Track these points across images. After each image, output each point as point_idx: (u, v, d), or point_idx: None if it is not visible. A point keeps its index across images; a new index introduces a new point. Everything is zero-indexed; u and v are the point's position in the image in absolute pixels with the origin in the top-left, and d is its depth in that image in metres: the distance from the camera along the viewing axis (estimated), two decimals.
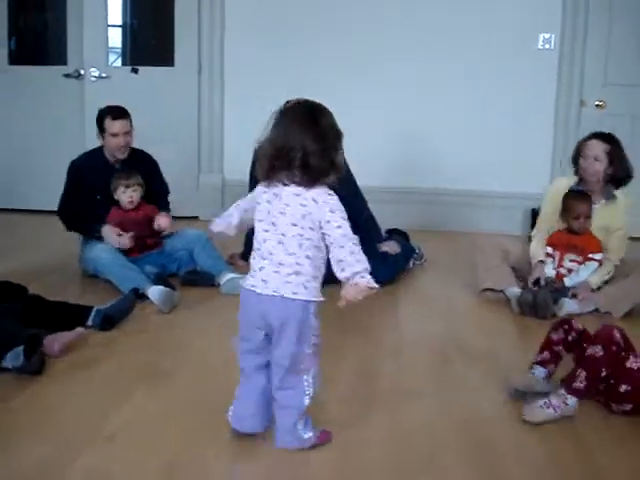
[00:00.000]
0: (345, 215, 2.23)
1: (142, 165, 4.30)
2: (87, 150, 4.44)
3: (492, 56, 5.71)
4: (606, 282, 3.94)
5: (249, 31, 5.87)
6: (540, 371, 2.75)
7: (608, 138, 3.95)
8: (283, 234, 2.23)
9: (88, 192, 4.15)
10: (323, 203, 2.21)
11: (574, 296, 3.86)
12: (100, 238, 4.07)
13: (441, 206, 5.86)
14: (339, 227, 2.20)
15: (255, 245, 2.31)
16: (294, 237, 2.22)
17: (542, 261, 3.98)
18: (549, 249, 3.99)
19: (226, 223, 2.40)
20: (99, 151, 4.30)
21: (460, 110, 5.78)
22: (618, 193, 3.99)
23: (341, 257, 2.20)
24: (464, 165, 5.80)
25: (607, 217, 3.95)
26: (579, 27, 5.68)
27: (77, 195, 4.18)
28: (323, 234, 2.22)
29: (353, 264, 2.19)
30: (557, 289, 3.87)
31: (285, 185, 2.23)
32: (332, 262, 2.23)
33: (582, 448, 2.43)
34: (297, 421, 2.31)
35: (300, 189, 2.22)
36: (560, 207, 3.96)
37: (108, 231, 4.07)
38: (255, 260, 2.30)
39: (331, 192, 2.25)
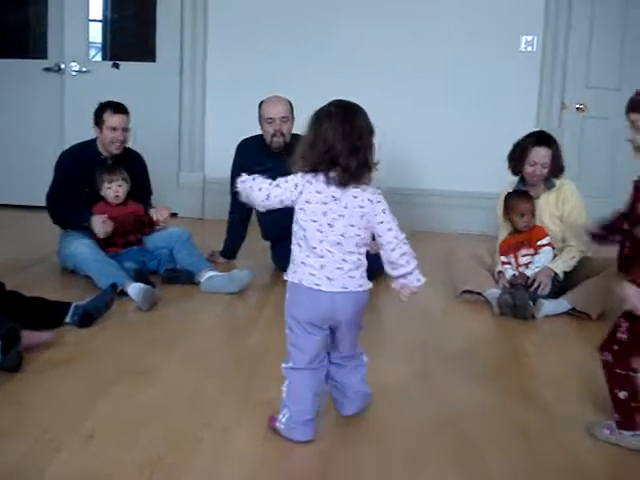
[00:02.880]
0: (391, 215, 2.35)
1: (133, 164, 4.30)
2: (78, 142, 4.40)
3: (474, 58, 5.73)
4: (578, 276, 3.97)
5: (232, 28, 5.85)
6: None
7: (550, 141, 4.06)
8: (342, 235, 2.29)
9: (76, 185, 4.11)
10: (377, 203, 2.31)
11: (538, 286, 3.90)
12: (87, 228, 4.05)
13: (419, 207, 5.87)
14: (390, 229, 2.33)
15: (309, 243, 2.32)
16: (352, 237, 2.30)
17: (500, 272, 4.04)
18: (503, 258, 4.06)
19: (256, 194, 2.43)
20: (92, 144, 4.28)
21: (441, 111, 5.80)
22: (559, 181, 4.10)
23: (392, 259, 2.35)
24: (443, 166, 5.82)
25: (554, 204, 4.06)
26: (561, 29, 5.72)
27: (66, 186, 4.15)
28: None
29: (405, 265, 2.36)
30: (521, 285, 3.90)
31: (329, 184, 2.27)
32: (383, 259, 2.37)
33: (564, 445, 2.45)
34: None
35: (358, 190, 2.29)
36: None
37: (95, 219, 4.05)
38: (311, 259, 2.31)
39: (380, 192, 2.33)
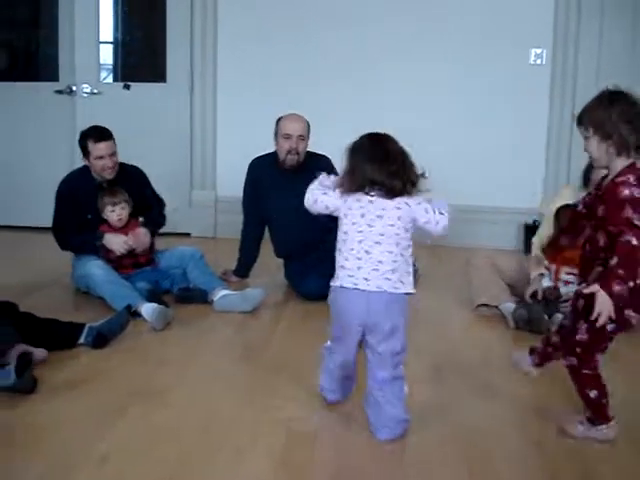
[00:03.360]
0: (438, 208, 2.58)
1: (131, 180, 4.27)
2: (74, 169, 4.41)
3: (484, 71, 5.72)
4: None
5: (241, 47, 5.87)
6: None
7: None
8: (382, 234, 2.45)
9: (79, 212, 4.12)
10: (417, 205, 2.51)
11: (566, 301, 3.84)
12: (98, 248, 4.05)
13: None
14: (427, 222, 2.53)
15: (347, 246, 2.49)
16: (391, 237, 2.45)
17: (542, 274, 3.97)
18: (545, 261, 3.98)
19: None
20: (86, 170, 4.25)
21: (452, 126, 5.79)
22: None
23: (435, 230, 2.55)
24: (456, 180, 5.79)
25: None
26: (570, 41, 5.70)
27: (69, 215, 4.14)
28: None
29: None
30: (553, 298, 3.86)
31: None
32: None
33: (580, 461, 2.42)
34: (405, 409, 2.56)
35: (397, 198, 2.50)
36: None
37: (112, 236, 4.06)
38: (349, 261, 2.48)
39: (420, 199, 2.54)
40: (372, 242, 2.44)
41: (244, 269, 4.57)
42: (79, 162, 4.35)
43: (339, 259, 2.51)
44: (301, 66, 5.81)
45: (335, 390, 2.75)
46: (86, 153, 4.17)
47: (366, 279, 2.44)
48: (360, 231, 2.46)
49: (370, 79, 5.78)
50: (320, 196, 2.55)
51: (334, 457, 2.39)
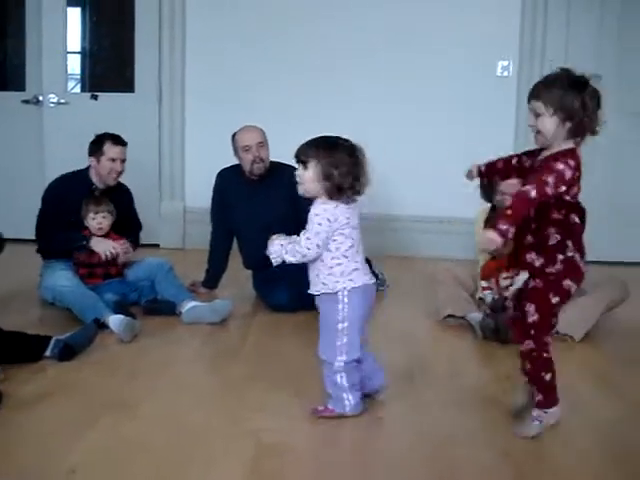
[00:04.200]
0: None
1: (121, 197, 4.31)
2: (68, 172, 4.38)
3: (451, 84, 5.77)
4: None
5: (210, 57, 5.87)
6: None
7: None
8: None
9: (63, 212, 4.10)
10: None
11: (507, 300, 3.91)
12: (83, 247, 4.04)
13: (400, 232, 5.89)
14: None
15: (355, 249, 2.73)
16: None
17: (481, 298, 4.06)
18: (484, 283, 4.04)
19: None
20: (83, 173, 4.28)
21: (418, 137, 5.83)
22: None
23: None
24: (423, 191, 5.84)
25: None
26: (536, 53, 5.77)
27: (55, 214, 4.13)
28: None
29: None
30: (500, 303, 3.90)
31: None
32: None
33: (550, 467, 2.45)
34: None
35: None
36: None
37: (100, 240, 4.06)
38: (359, 262, 2.75)
39: None
40: (359, 242, 2.75)
41: (213, 280, 4.57)
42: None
43: (350, 264, 2.71)
44: (270, 77, 5.81)
45: (360, 395, 2.83)
46: (98, 153, 4.20)
47: (367, 274, 2.77)
48: (354, 236, 2.72)
49: (336, 91, 5.80)
50: (314, 239, 2.67)
51: (303, 467, 2.39)
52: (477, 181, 3.07)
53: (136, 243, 4.40)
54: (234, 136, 4.35)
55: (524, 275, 3.92)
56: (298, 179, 2.72)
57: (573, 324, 3.83)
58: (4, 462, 2.40)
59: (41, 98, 5.89)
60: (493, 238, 2.32)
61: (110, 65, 6.53)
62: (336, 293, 2.70)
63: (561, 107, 2.43)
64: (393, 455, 2.52)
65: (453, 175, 5.80)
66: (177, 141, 5.97)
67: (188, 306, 3.99)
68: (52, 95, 5.88)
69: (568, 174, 2.40)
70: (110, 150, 4.21)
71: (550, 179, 2.38)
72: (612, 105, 5.82)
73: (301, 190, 2.73)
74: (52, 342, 3.30)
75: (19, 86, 6.05)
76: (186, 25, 5.85)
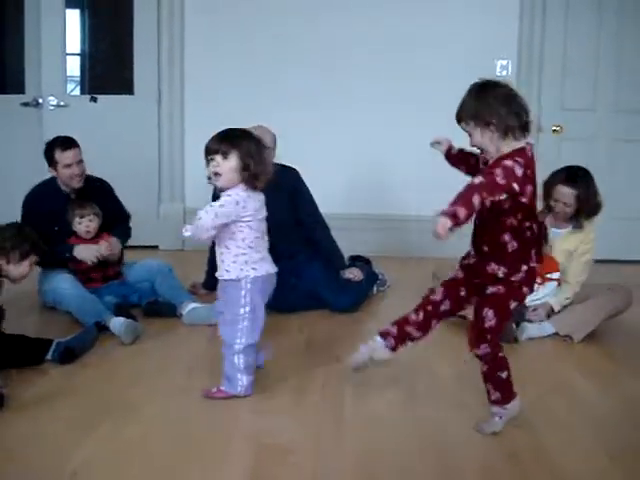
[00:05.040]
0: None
1: (97, 192, 4.26)
2: (40, 182, 4.37)
3: (450, 84, 5.75)
4: (565, 306, 3.99)
5: (209, 59, 5.88)
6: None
7: (575, 181, 3.89)
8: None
9: (46, 224, 4.06)
10: None
11: (533, 311, 3.93)
12: (69, 259, 4.02)
13: (402, 232, 5.89)
14: None
15: (255, 237, 2.90)
16: None
17: None
18: None
19: None
20: (52, 182, 4.26)
21: (420, 138, 5.80)
22: (588, 226, 4.01)
23: None
24: (425, 191, 5.82)
25: (572, 243, 3.99)
26: (535, 52, 5.79)
27: (36, 228, 4.10)
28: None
29: None
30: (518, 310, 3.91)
31: None
32: None
33: (554, 469, 2.44)
34: None
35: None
36: None
37: (82, 247, 4.03)
38: (262, 252, 2.96)
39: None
40: (265, 232, 2.99)
41: (212, 282, 4.54)
42: (48, 175, 4.32)
43: (254, 254, 2.90)
44: (270, 78, 5.82)
45: (252, 379, 3.00)
46: (53, 163, 4.16)
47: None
48: (262, 228, 2.95)
49: (336, 91, 5.80)
50: (218, 210, 2.81)
51: (305, 471, 2.39)
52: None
53: (127, 233, 4.38)
54: None
55: (550, 289, 3.93)
56: (217, 170, 2.81)
57: (574, 326, 3.84)
58: (6, 465, 2.40)
59: (41, 101, 5.90)
60: (443, 222, 2.29)
61: (109, 67, 6.53)
62: (239, 280, 2.89)
63: (473, 116, 2.46)
64: (395, 457, 2.53)
65: (454, 175, 5.85)
66: (176, 143, 5.98)
67: (188, 308, 3.99)
68: (52, 98, 5.88)
69: (518, 170, 2.36)
70: (62, 157, 4.13)
71: (498, 171, 2.34)
72: (609, 104, 5.87)
73: (220, 182, 2.82)
74: (53, 345, 3.30)
75: (18, 89, 6.06)
76: (185, 26, 5.86)
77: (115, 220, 4.30)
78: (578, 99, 5.85)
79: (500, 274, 2.54)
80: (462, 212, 2.27)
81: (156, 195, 6.07)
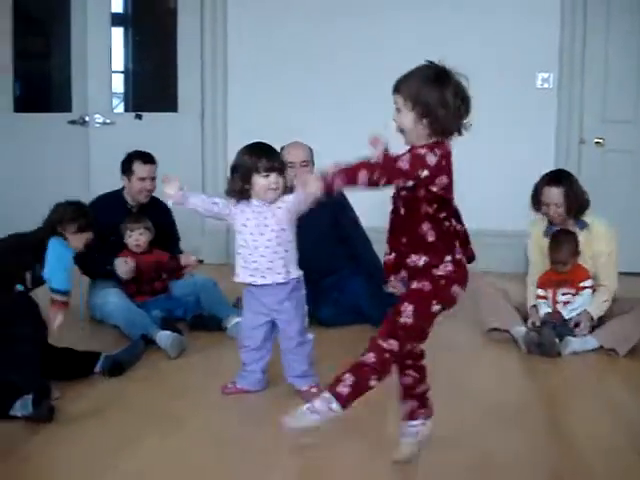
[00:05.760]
0: None
1: (158, 212, 4.36)
2: (105, 193, 4.50)
3: (491, 97, 5.75)
4: (605, 315, 3.96)
5: (252, 75, 5.95)
6: None
7: (560, 180, 4.02)
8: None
9: (103, 233, 4.16)
10: None
11: (576, 325, 3.90)
12: (110, 273, 4.11)
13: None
14: None
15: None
16: None
17: (534, 306, 4.03)
18: (540, 291, 4.04)
19: None
20: (118, 193, 4.40)
21: (460, 149, 5.79)
22: (590, 218, 4.07)
23: None
24: (464, 203, 5.76)
25: (586, 245, 4.01)
26: (576, 65, 5.76)
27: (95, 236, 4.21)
28: None
29: None
30: (556, 323, 3.90)
31: None
32: None
33: None
34: None
35: None
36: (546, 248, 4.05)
37: (118, 261, 4.12)
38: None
39: None
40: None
41: None
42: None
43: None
44: (309, 96, 5.87)
45: None
46: (128, 172, 4.30)
47: None
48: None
49: (377, 107, 5.82)
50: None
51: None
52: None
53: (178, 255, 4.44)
54: (281, 149, 4.38)
55: (586, 297, 3.91)
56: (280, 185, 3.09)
57: (617, 340, 3.81)
58: (53, 476, 2.46)
59: (87, 118, 6.01)
60: (315, 184, 2.15)
61: (153, 84, 6.65)
62: (300, 280, 3.12)
63: (418, 101, 2.25)
64: (432, 469, 2.52)
65: (495, 188, 5.85)
66: (220, 159, 6.04)
67: (233, 321, 4.03)
68: (98, 115, 6.00)
69: (431, 158, 2.20)
70: (139, 169, 4.30)
71: (405, 157, 2.20)
72: None
73: (278, 195, 3.08)
74: (101, 358, 3.37)
75: (65, 107, 6.19)
76: (228, 45, 5.95)
77: (167, 241, 4.38)
78: (620, 111, 5.80)
79: (421, 263, 2.29)
80: (339, 181, 2.16)
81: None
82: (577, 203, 4.02)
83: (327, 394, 2.28)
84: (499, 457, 2.64)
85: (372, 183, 2.18)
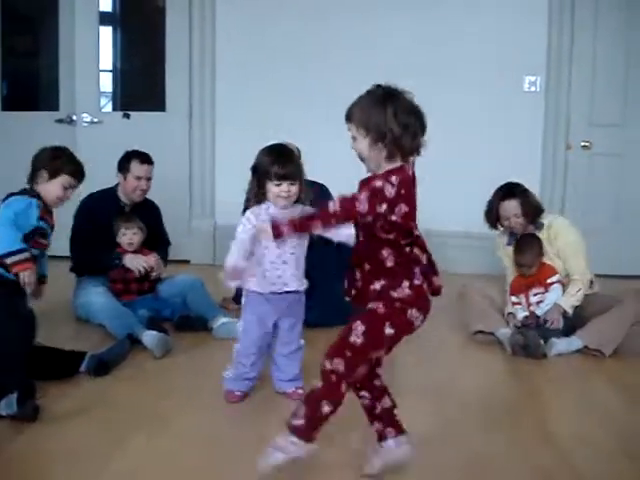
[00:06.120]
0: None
1: (149, 213, 4.39)
2: (101, 189, 4.49)
3: (478, 100, 5.78)
4: (588, 312, 4.00)
5: (240, 74, 5.94)
6: None
7: (514, 193, 4.17)
8: None
9: (95, 229, 4.21)
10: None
11: (546, 322, 3.95)
12: (117, 266, 4.12)
13: (429, 248, 5.88)
14: None
15: None
16: None
17: (510, 313, 4.10)
18: (513, 298, 4.11)
19: None
20: (111, 191, 4.40)
21: (447, 153, 5.82)
22: (547, 220, 4.19)
23: None
24: (451, 207, 5.83)
25: (549, 243, 4.10)
26: (564, 68, 5.78)
27: (87, 231, 4.23)
28: None
29: None
30: (533, 325, 3.94)
31: None
32: None
33: None
34: None
35: None
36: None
37: (133, 256, 4.15)
38: None
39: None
40: None
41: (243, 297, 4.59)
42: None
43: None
44: (299, 95, 5.87)
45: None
46: (125, 170, 4.32)
47: None
48: None
49: None
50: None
51: None
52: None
53: (165, 259, 4.46)
54: None
55: (555, 292, 3.96)
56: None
57: (602, 340, 3.84)
58: (38, 477, 2.45)
59: (75, 117, 6.00)
60: (267, 231, 2.17)
61: (141, 84, 6.63)
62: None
63: (370, 125, 2.22)
64: (418, 470, 2.52)
65: (478, 190, 5.84)
66: (207, 159, 6.05)
67: (219, 322, 4.03)
68: (85, 114, 5.98)
69: (389, 190, 2.15)
70: (136, 168, 4.31)
71: (363, 195, 2.14)
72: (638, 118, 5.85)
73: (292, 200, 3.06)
74: (87, 358, 3.35)
75: (53, 106, 6.17)
76: (216, 45, 5.94)
77: (156, 242, 4.38)
78: (607, 115, 5.83)
79: (378, 287, 2.23)
80: (290, 232, 2.19)
81: (187, 210, 6.14)
82: (533, 209, 4.16)
83: (286, 430, 2.24)
84: (485, 458, 2.65)
85: (328, 228, 2.23)
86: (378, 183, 2.16)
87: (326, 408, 2.22)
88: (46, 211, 3.39)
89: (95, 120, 5.99)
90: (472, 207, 5.80)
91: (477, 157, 5.80)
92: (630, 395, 3.33)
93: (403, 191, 2.19)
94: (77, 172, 3.50)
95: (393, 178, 2.18)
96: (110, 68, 6.39)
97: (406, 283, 2.23)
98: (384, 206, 2.14)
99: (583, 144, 5.84)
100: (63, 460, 2.56)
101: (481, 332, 4.05)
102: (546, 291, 4.01)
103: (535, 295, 4.03)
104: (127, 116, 6.04)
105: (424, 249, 2.35)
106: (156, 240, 4.41)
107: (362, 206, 2.13)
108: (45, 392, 3.05)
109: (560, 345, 3.85)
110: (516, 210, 4.11)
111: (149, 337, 3.72)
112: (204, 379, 3.40)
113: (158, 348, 3.67)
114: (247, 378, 3.15)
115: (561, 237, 4.11)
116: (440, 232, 5.90)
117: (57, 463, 2.54)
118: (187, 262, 5.98)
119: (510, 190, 4.19)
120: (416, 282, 2.25)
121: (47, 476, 2.45)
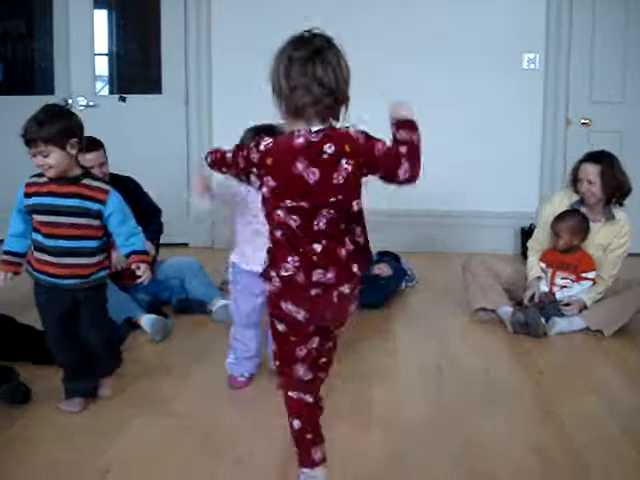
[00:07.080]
0: None
1: (123, 191, 4.26)
2: None
3: (478, 77, 5.74)
4: (597, 300, 3.96)
5: (236, 58, 5.89)
6: None
7: (599, 159, 3.96)
8: None
9: None
10: None
11: (566, 305, 3.91)
12: None
13: (431, 227, 5.88)
14: None
15: None
16: None
17: (539, 277, 4.01)
18: (542, 265, 4.02)
19: None
20: None
21: (447, 131, 5.80)
22: (621, 214, 4.01)
23: None
24: (453, 186, 5.81)
25: (606, 237, 3.99)
26: (563, 45, 5.74)
27: None
28: None
29: None
30: (547, 302, 3.90)
31: None
32: None
33: (586, 467, 2.43)
34: None
35: None
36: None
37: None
38: None
39: None
40: None
41: None
42: None
43: None
44: None
45: None
46: None
47: None
48: None
49: (367, 90, 5.79)
50: None
51: (334, 465, 2.39)
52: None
53: (159, 230, 4.32)
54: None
55: (585, 289, 3.90)
56: None
57: (605, 321, 3.82)
58: (37, 457, 2.45)
59: (70, 101, 5.95)
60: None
61: (137, 67, 6.58)
62: None
63: (270, 77, 2.05)
64: (422, 451, 2.53)
65: (479, 169, 5.84)
66: (204, 142, 6.00)
67: (218, 304, 4.02)
68: (81, 98, 5.94)
69: (253, 155, 1.98)
70: (83, 160, 4.08)
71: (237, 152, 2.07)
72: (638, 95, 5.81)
73: None
74: None
75: (48, 90, 6.12)
76: (212, 26, 5.89)
77: (146, 216, 4.31)
78: (607, 91, 5.79)
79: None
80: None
81: (185, 193, 6.10)
82: (613, 185, 3.94)
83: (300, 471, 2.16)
84: (485, 437, 2.64)
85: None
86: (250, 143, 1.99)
87: (295, 423, 2.13)
88: None
89: (91, 104, 5.95)
90: (474, 184, 5.81)
91: (478, 135, 5.78)
92: (631, 374, 3.32)
93: (270, 161, 1.93)
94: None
95: (262, 144, 1.97)
96: (106, 51, 6.34)
97: (273, 273, 1.96)
98: (254, 169, 1.95)
99: (583, 121, 5.81)
100: (61, 444, 2.55)
101: (483, 309, 4.03)
102: (576, 281, 3.96)
103: (563, 279, 3.97)
104: (123, 99, 6.00)
105: (316, 238, 1.94)
106: (144, 214, 4.30)
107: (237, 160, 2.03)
108: (41, 375, 3.05)
109: (561, 324, 3.83)
110: (593, 176, 3.92)
111: (148, 321, 3.71)
112: (203, 362, 3.39)
113: (157, 331, 3.65)
114: (247, 357, 3.12)
115: (621, 238, 3.98)
116: (445, 212, 5.89)
117: (55, 445, 2.53)
118: (186, 245, 5.96)
119: (597, 155, 4.01)
120: (283, 273, 1.94)
121: (44, 457, 2.43)
